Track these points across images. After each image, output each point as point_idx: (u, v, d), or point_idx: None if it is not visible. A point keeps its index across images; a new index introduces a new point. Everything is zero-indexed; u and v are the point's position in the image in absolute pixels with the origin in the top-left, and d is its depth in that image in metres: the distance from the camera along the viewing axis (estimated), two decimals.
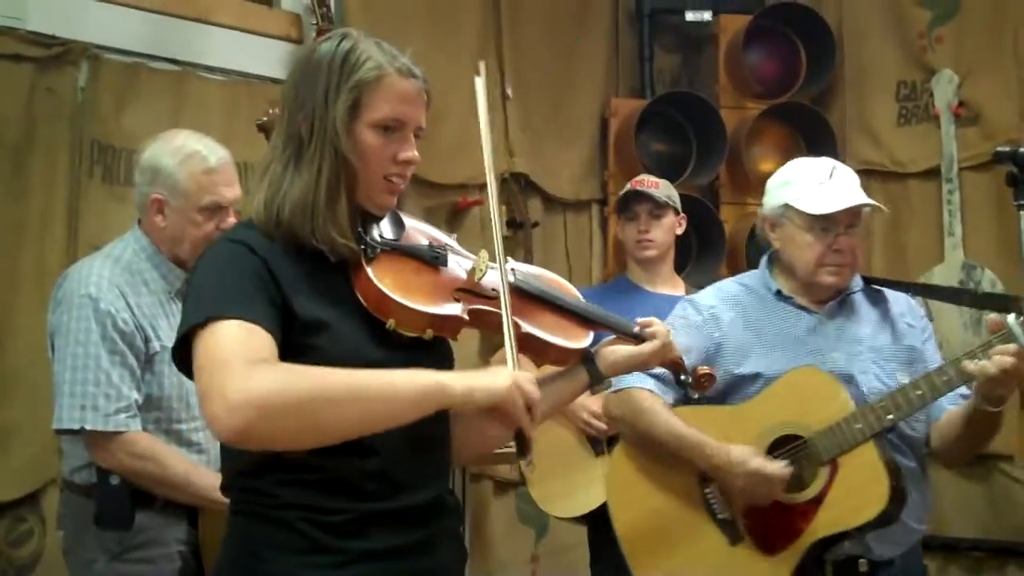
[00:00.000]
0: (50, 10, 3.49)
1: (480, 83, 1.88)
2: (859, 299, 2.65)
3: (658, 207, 3.55)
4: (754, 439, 2.51)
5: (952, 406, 2.54)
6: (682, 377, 1.97)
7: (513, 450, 1.76)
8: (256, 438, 1.55)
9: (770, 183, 2.69)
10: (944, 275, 4.42)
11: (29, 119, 3.43)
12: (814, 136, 4.85)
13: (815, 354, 2.56)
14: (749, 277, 2.74)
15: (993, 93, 4.54)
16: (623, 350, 1.93)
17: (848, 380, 2.51)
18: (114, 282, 2.58)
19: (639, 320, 1.97)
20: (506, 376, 1.68)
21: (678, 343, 2.59)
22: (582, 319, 1.91)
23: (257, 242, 1.69)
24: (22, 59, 3.41)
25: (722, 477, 2.50)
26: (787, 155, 4.94)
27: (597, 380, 1.91)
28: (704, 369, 1.98)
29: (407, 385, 1.62)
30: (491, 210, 1.87)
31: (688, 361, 2.59)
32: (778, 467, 2.45)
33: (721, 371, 2.61)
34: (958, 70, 4.59)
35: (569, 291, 1.96)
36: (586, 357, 1.92)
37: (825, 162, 2.64)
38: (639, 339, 1.95)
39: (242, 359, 1.56)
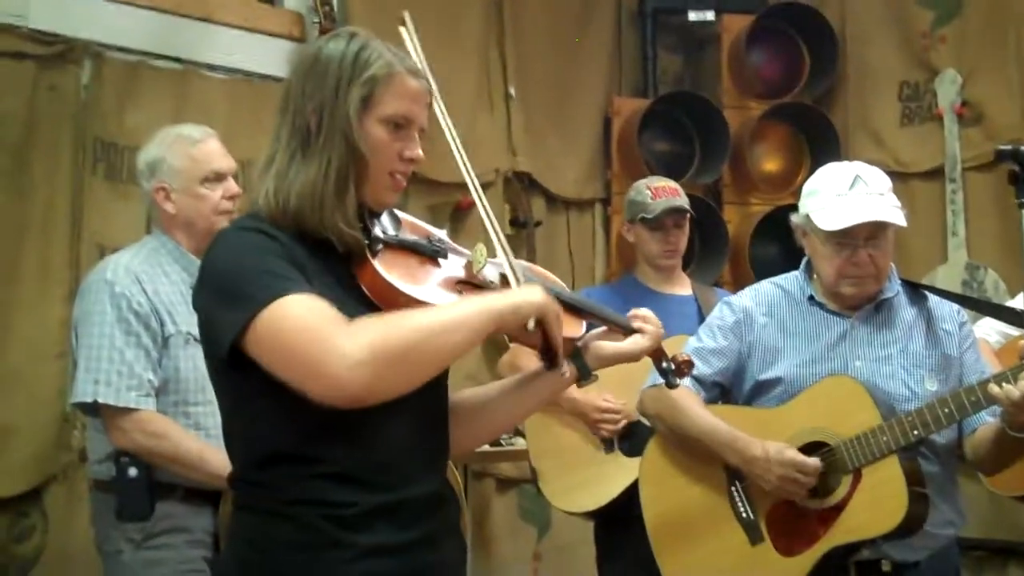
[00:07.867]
0: (53, 8, 3.49)
1: (406, 33, 1.87)
2: (898, 303, 2.61)
3: (683, 216, 3.51)
4: (785, 442, 2.51)
5: (992, 418, 2.49)
6: (664, 365, 1.96)
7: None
8: (381, 387, 1.58)
9: (804, 188, 2.63)
10: (947, 275, 4.41)
11: (32, 117, 3.43)
12: (817, 136, 4.85)
13: (838, 361, 2.55)
14: (787, 279, 2.71)
15: (996, 93, 4.54)
16: (610, 345, 1.90)
17: (871, 388, 2.49)
18: (131, 269, 2.68)
19: (631, 312, 1.95)
20: (536, 289, 1.72)
21: (714, 344, 2.61)
22: (576, 310, 1.91)
23: (270, 230, 1.70)
24: (25, 57, 3.42)
25: (756, 470, 2.50)
26: (790, 155, 4.99)
27: (584, 374, 1.88)
28: (684, 356, 1.97)
29: (473, 315, 1.66)
30: (465, 174, 1.84)
31: (723, 363, 2.63)
32: (812, 460, 2.45)
33: (748, 377, 2.62)
34: (961, 70, 4.59)
35: (559, 284, 1.96)
36: (573, 352, 1.90)
37: (849, 171, 2.56)
38: (630, 331, 1.93)
39: (333, 322, 1.58)
